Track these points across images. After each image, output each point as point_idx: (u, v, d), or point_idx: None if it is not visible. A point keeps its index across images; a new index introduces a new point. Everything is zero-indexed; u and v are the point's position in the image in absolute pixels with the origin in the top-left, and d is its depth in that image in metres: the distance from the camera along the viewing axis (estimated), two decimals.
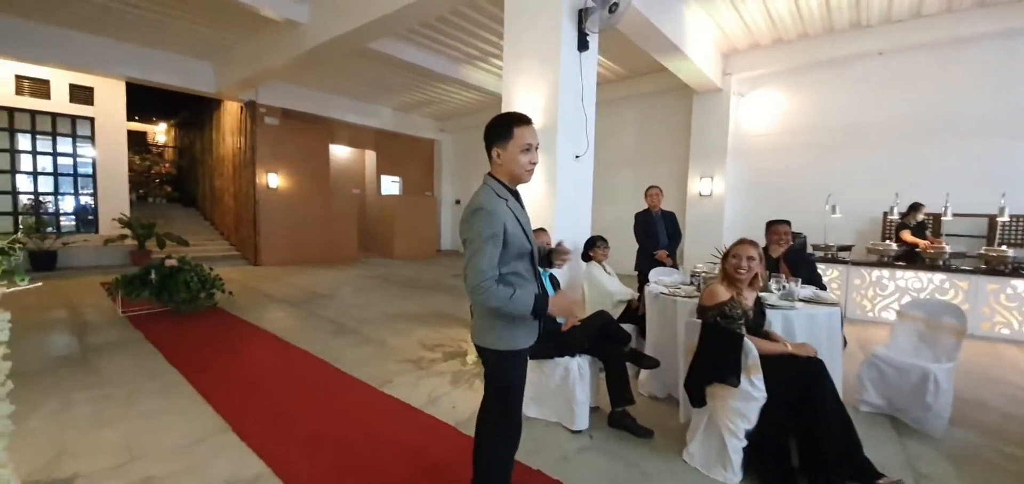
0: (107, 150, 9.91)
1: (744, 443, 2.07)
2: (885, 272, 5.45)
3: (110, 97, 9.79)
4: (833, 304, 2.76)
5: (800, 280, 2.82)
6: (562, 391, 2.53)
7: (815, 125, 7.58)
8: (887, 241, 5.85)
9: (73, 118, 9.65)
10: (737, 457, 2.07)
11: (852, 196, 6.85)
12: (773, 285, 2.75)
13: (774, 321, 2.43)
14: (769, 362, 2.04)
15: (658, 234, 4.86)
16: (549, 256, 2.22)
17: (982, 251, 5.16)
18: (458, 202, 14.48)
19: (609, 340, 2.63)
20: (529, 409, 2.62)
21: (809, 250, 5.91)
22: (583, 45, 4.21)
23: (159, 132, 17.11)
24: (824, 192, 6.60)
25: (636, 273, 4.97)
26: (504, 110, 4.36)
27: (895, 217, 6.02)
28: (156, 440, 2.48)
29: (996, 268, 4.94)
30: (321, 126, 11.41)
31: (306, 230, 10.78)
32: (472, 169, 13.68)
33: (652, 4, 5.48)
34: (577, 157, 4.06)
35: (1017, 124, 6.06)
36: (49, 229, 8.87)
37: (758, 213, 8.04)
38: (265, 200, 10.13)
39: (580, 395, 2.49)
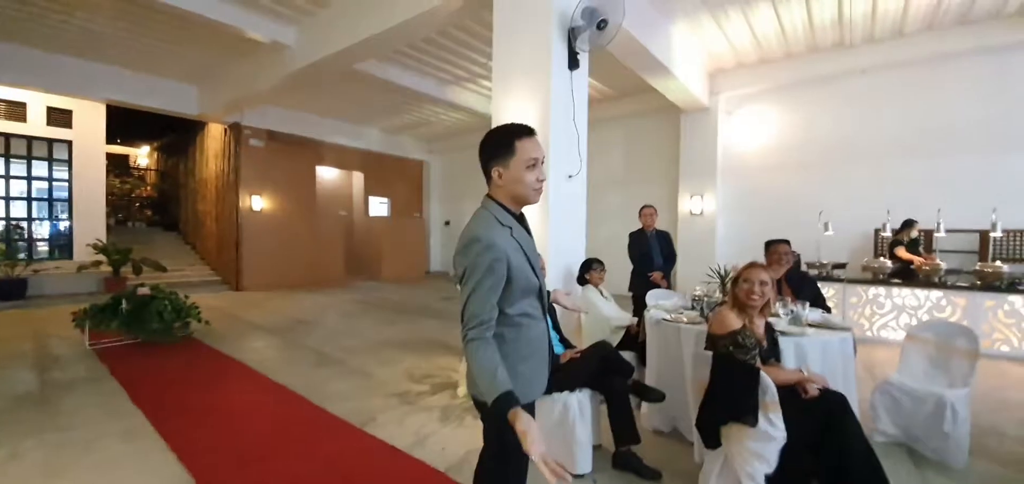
0: (84, 174, 9.59)
1: None
2: (881, 290, 5.38)
3: (89, 120, 9.51)
4: (845, 329, 2.63)
5: (807, 303, 2.68)
6: (561, 430, 2.33)
7: (804, 142, 7.62)
8: (881, 258, 5.80)
9: (50, 141, 9.35)
10: None
11: (844, 213, 6.83)
12: (780, 309, 2.61)
13: (786, 350, 2.28)
14: (788, 398, 1.88)
15: (652, 255, 4.73)
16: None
17: (977, 267, 5.13)
18: (448, 223, 14.31)
19: (611, 372, 2.45)
20: None
21: (803, 268, 5.83)
22: (574, 63, 4.13)
23: (142, 155, 16.74)
24: (815, 209, 6.57)
25: (631, 294, 4.83)
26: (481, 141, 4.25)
27: (887, 234, 5.99)
28: None
29: (992, 284, 4.90)
30: (308, 148, 11.23)
31: (291, 253, 10.50)
32: (461, 190, 13.57)
33: (639, 24, 5.47)
34: (570, 177, 3.95)
35: (1005, 138, 6.12)
36: (21, 256, 8.48)
37: (750, 231, 8.04)
38: (249, 223, 9.85)
39: (581, 434, 2.29)
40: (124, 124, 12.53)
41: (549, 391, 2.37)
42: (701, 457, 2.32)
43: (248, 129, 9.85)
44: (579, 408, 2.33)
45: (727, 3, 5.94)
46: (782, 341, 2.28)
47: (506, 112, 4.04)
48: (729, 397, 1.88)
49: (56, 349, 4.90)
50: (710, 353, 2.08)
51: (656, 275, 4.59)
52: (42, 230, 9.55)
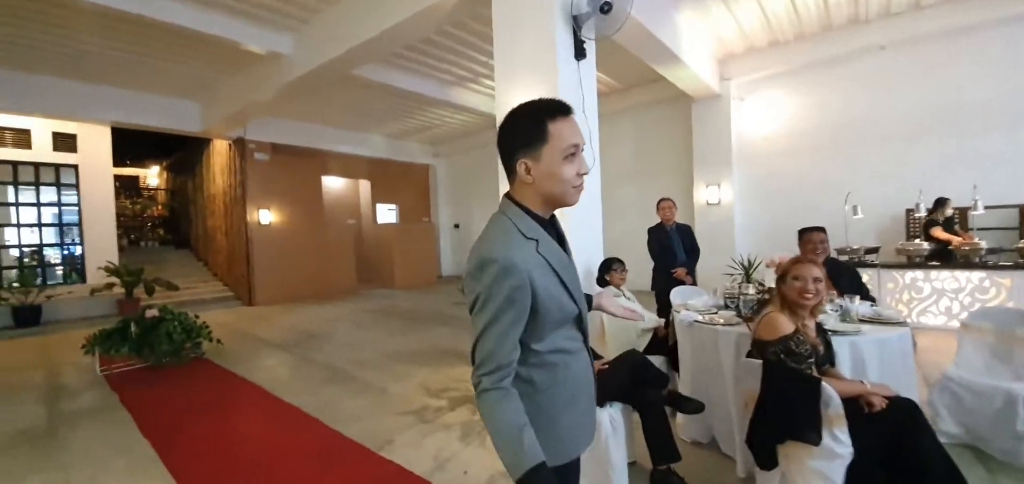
0: (93, 197, 9.58)
1: None
2: (919, 273, 5.08)
3: (94, 143, 9.50)
4: (901, 323, 2.39)
5: (856, 297, 2.45)
6: (593, 452, 2.13)
7: (822, 124, 7.30)
8: (916, 240, 5.49)
9: (57, 166, 9.35)
10: None
11: (868, 195, 6.50)
12: (827, 305, 2.38)
13: (839, 352, 2.05)
14: (851, 408, 1.66)
15: (675, 250, 4.51)
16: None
17: (1021, 244, 4.81)
18: (457, 226, 14.16)
19: (644, 384, 2.24)
20: None
21: (833, 254, 5.56)
22: (581, 53, 3.92)
23: (151, 175, 16.87)
24: (840, 192, 6.28)
25: (653, 292, 4.61)
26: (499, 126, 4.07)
27: (921, 214, 5.67)
28: None
29: None
30: (313, 158, 11.16)
31: (301, 265, 10.42)
32: (469, 192, 13.41)
33: (646, 11, 5.24)
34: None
35: None
36: (38, 281, 8.50)
37: (769, 218, 7.77)
38: (257, 237, 9.79)
39: (615, 455, 2.09)
40: (132, 145, 12.61)
41: None
42: (745, 471, 2.11)
43: (252, 143, 9.78)
44: (611, 425, 2.13)
45: None
46: (835, 342, 2.06)
47: (510, 108, 3.84)
48: (786, 412, 1.67)
49: (66, 377, 4.81)
50: (757, 361, 1.86)
51: (680, 271, 4.37)
52: (54, 255, 9.57)
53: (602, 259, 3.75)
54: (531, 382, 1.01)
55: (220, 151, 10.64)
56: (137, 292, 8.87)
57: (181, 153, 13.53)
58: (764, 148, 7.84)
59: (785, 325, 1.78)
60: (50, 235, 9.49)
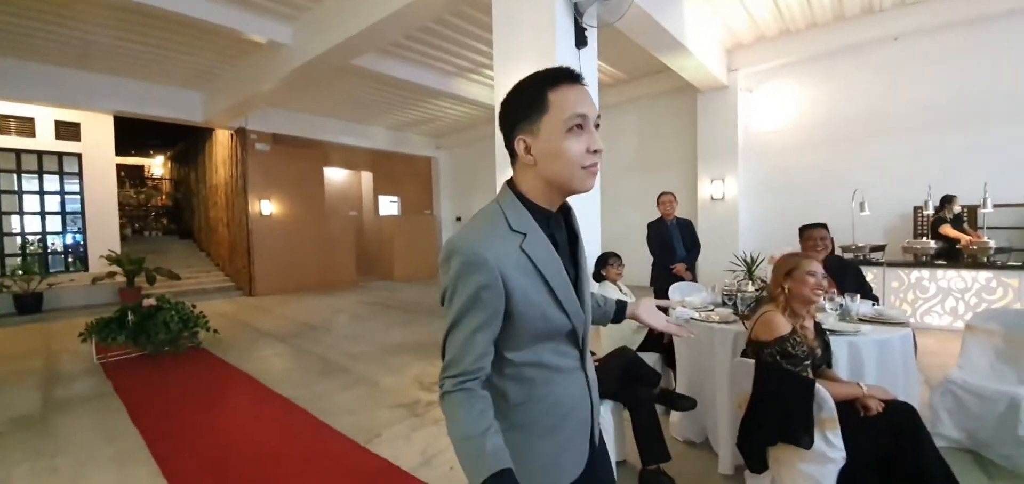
0: (95, 186, 9.61)
1: None
2: (925, 272, 4.98)
3: (98, 132, 9.51)
4: (902, 324, 2.31)
5: (858, 296, 2.37)
6: None
7: (831, 118, 7.15)
8: (923, 238, 5.37)
9: (60, 155, 9.38)
10: None
11: (878, 191, 6.36)
12: (826, 304, 2.30)
13: (838, 352, 1.98)
14: (847, 411, 1.59)
15: (674, 245, 4.43)
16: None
17: None
18: (458, 219, 14.12)
19: (635, 382, 2.18)
20: None
21: (837, 252, 5.46)
22: (582, 41, 3.84)
23: (156, 165, 16.92)
24: (847, 189, 6.14)
25: (652, 288, 4.54)
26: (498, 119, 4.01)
27: (929, 212, 5.54)
28: None
29: None
30: (314, 150, 11.13)
31: (302, 256, 10.43)
32: (471, 185, 13.35)
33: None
34: None
35: None
36: (36, 270, 8.55)
37: (775, 214, 7.64)
38: (258, 228, 9.79)
39: None
40: (137, 134, 12.59)
41: None
42: (731, 468, 2.06)
43: (253, 133, 9.76)
44: (602, 424, 2.07)
45: None
46: (833, 342, 1.98)
47: None
48: (778, 414, 1.60)
49: (64, 364, 4.83)
50: (751, 361, 1.80)
51: (679, 267, 4.29)
52: (56, 243, 9.62)
53: (599, 254, 3.69)
54: (504, 396, 0.88)
55: (222, 141, 10.63)
56: (139, 281, 8.91)
57: (185, 143, 13.55)
58: (771, 142, 7.70)
59: (783, 325, 1.71)
60: (53, 223, 9.54)
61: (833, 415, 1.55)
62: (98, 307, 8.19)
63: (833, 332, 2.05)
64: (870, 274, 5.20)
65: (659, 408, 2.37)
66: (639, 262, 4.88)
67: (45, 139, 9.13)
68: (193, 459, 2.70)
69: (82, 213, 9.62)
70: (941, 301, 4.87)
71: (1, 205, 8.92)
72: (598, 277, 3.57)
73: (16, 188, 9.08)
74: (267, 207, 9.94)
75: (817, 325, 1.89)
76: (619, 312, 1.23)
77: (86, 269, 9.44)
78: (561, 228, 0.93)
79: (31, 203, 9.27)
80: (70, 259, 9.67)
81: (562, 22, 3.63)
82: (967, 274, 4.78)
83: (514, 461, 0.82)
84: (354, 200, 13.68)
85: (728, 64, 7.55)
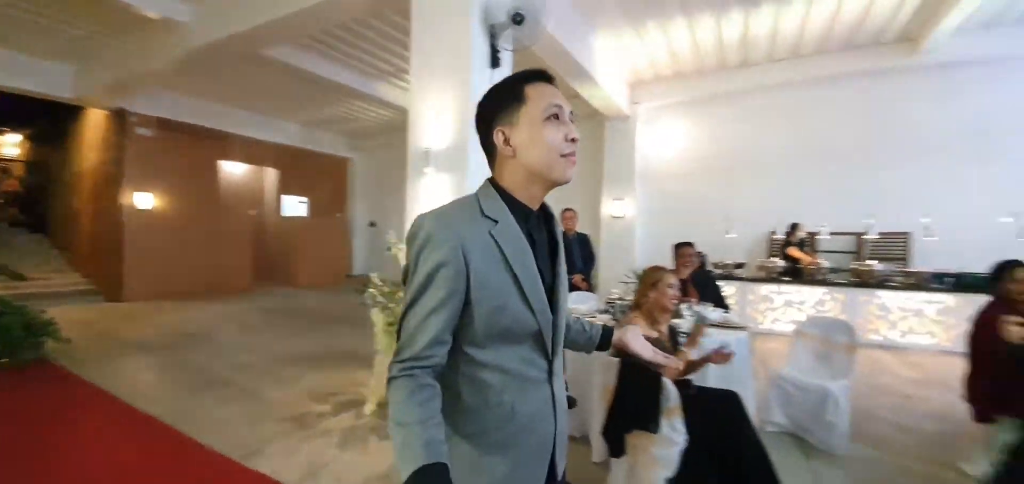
0: None
1: None
2: (773, 287, 5.90)
3: None
4: (741, 328, 2.74)
5: (712, 304, 2.77)
6: None
7: (712, 152, 8.18)
8: (773, 258, 6.36)
9: None
10: None
11: (744, 218, 7.42)
12: (685, 310, 2.66)
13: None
14: (688, 402, 1.87)
15: (574, 258, 4.76)
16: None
17: (853, 266, 5.77)
18: (373, 224, 13.62)
19: None
20: None
21: (708, 268, 6.27)
22: (495, 62, 4.01)
23: (9, 144, 14.07)
24: (721, 214, 7.07)
25: None
26: (411, 129, 4.02)
27: (780, 236, 6.58)
28: None
29: (866, 281, 5.53)
30: (210, 139, 10.07)
31: (186, 258, 9.32)
32: (388, 189, 13.00)
33: (563, 30, 5.49)
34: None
35: (881, 153, 6.93)
36: None
37: (665, 234, 8.40)
38: (133, 223, 8.59)
39: None
40: None
41: None
42: (600, 457, 2.29)
43: (135, 116, 8.59)
44: None
45: (646, 16, 6.16)
46: (683, 341, 2.30)
47: (424, 110, 3.82)
48: (634, 405, 1.84)
49: None
50: (616, 359, 2.03)
51: (576, 278, 4.61)
52: None
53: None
54: (458, 396, 0.84)
55: (95, 123, 9.20)
56: None
57: (48, 121, 11.46)
58: (663, 169, 8.60)
59: (644, 330, 1.96)
60: None
61: (678, 404, 1.82)
62: None
63: (685, 334, 2.39)
64: (732, 288, 6.03)
65: None
66: None
67: None
68: None
69: None
70: (785, 311, 5.79)
71: None
72: None
73: None
74: (146, 200, 8.77)
75: (672, 329, 2.19)
76: (605, 339, 1.18)
77: None
78: (541, 230, 0.93)
79: None
80: None
81: (478, 43, 3.77)
82: (805, 289, 5.75)
83: (459, 478, 0.77)
84: (255, 198, 12.60)
85: (631, 97, 8.29)
